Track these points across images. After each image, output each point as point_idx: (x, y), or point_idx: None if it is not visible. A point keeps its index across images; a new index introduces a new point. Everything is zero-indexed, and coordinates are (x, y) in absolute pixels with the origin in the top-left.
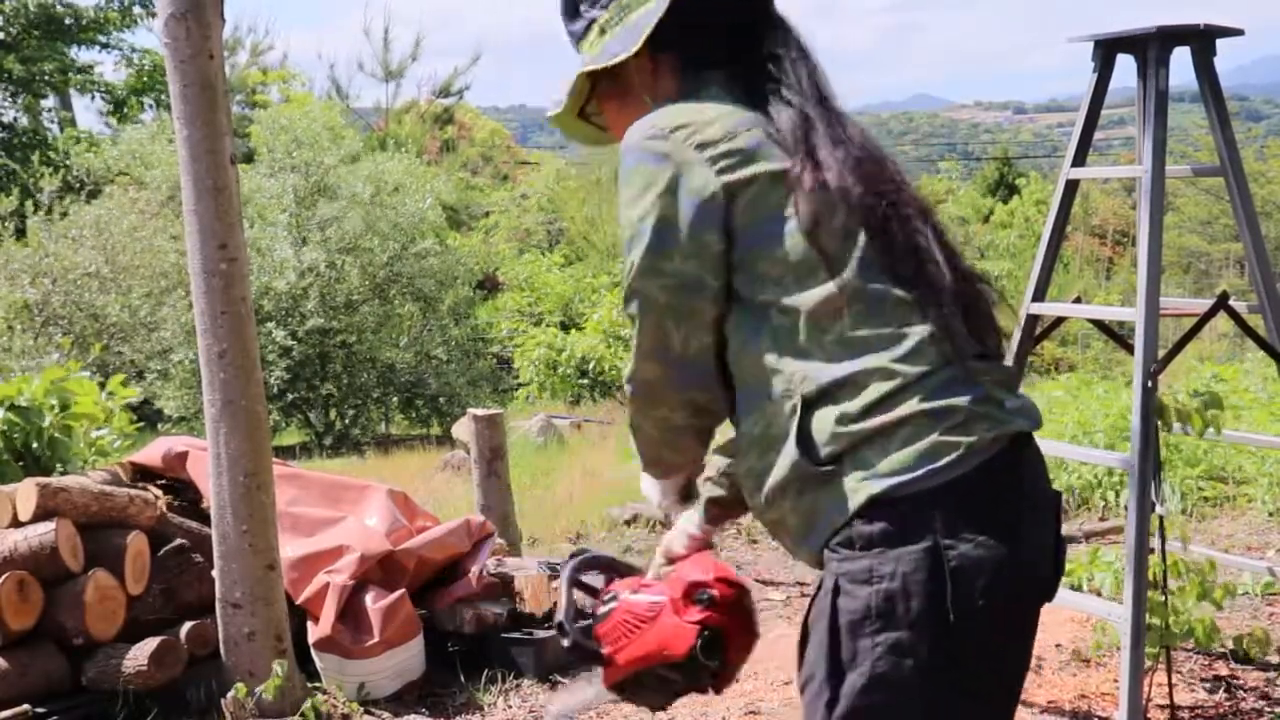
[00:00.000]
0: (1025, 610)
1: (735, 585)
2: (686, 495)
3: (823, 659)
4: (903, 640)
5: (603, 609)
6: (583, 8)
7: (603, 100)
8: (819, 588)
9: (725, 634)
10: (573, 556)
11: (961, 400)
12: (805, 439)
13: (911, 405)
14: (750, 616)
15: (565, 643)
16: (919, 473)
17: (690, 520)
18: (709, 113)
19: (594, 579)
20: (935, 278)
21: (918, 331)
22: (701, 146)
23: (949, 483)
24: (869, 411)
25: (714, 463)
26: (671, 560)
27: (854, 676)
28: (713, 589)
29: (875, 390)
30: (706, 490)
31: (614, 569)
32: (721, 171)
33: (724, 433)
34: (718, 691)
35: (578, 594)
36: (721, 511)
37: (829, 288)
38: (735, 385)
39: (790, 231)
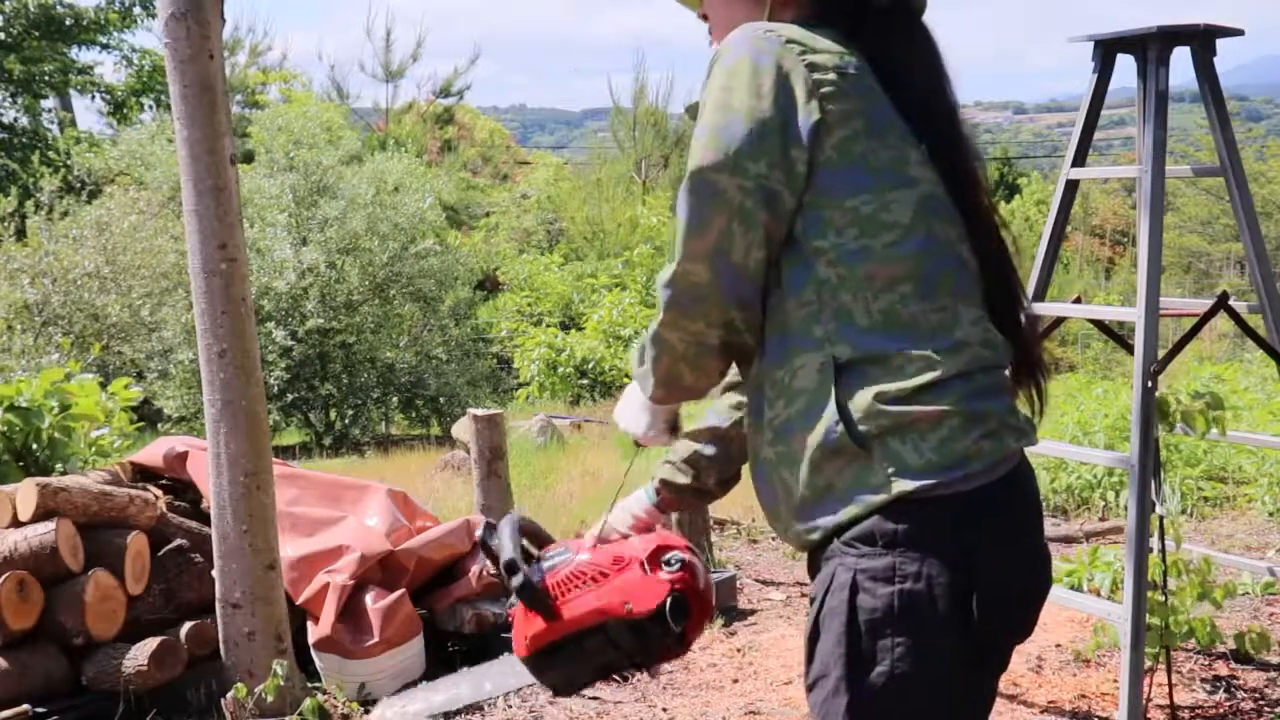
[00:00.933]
0: (1033, 613)
1: (698, 555)
2: (674, 428)
3: (839, 658)
4: (925, 642)
5: (549, 561)
6: None
7: None
8: (830, 583)
9: (691, 601)
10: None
11: (996, 407)
12: (843, 408)
13: (949, 403)
14: (710, 593)
15: (515, 581)
16: (954, 475)
17: (638, 502)
18: (824, 43)
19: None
20: (984, 277)
21: (963, 329)
22: (812, 67)
23: (979, 489)
24: (909, 398)
25: (679, 447)
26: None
27: (874, 676)
28: (683, 554)
29: (917, 378)
30: (663, 472)
31: (540, 537)
32: (824, 99)
33: (690, 419)
34: (652, 674)
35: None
36: (673, 499)
37: (892, 254)
38: (765, 330)
39: (866, 186)
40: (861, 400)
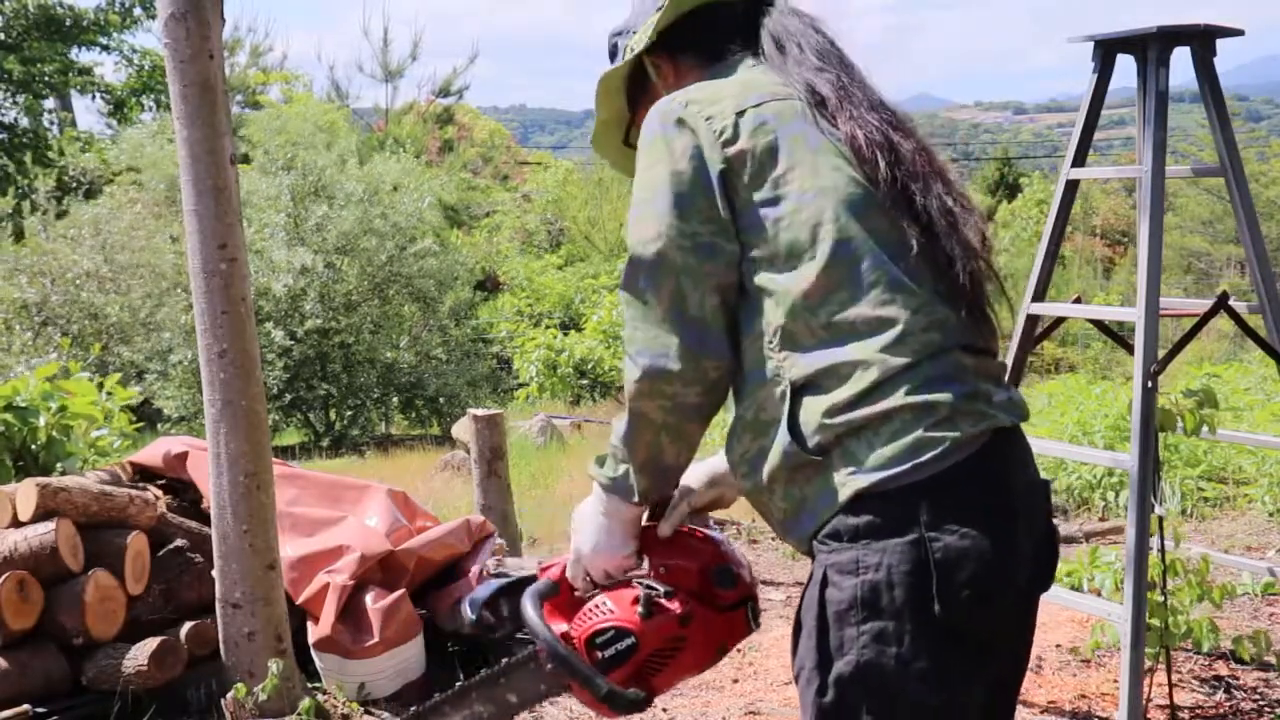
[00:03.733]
0: (1014, 601)
1: (723, 547)
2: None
3: (812, 649)
4: (887, 630)
5: (608, 650)
6: (619, 41)
7: (641, 120)
8: (809, 579)
9: (749, 585)
10: (476, 600)
11: (946, 395)
12: (795, 427)
13: (896, 399)
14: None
15: (600, 694)
16: (904, 467)
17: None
18: (724, 89)
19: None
20: (935, 260)
21: (904, 320)
22: (711, 119)
23: (933, 477)
24: (854, 404)
25: None
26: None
27: (841, 665)
28: (729, 564)
29: (860, 381)
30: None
31: (519, 589)
32: (725, 145)
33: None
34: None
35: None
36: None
37: (815, 271)
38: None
39: (781, 213)
40: (813, 416)
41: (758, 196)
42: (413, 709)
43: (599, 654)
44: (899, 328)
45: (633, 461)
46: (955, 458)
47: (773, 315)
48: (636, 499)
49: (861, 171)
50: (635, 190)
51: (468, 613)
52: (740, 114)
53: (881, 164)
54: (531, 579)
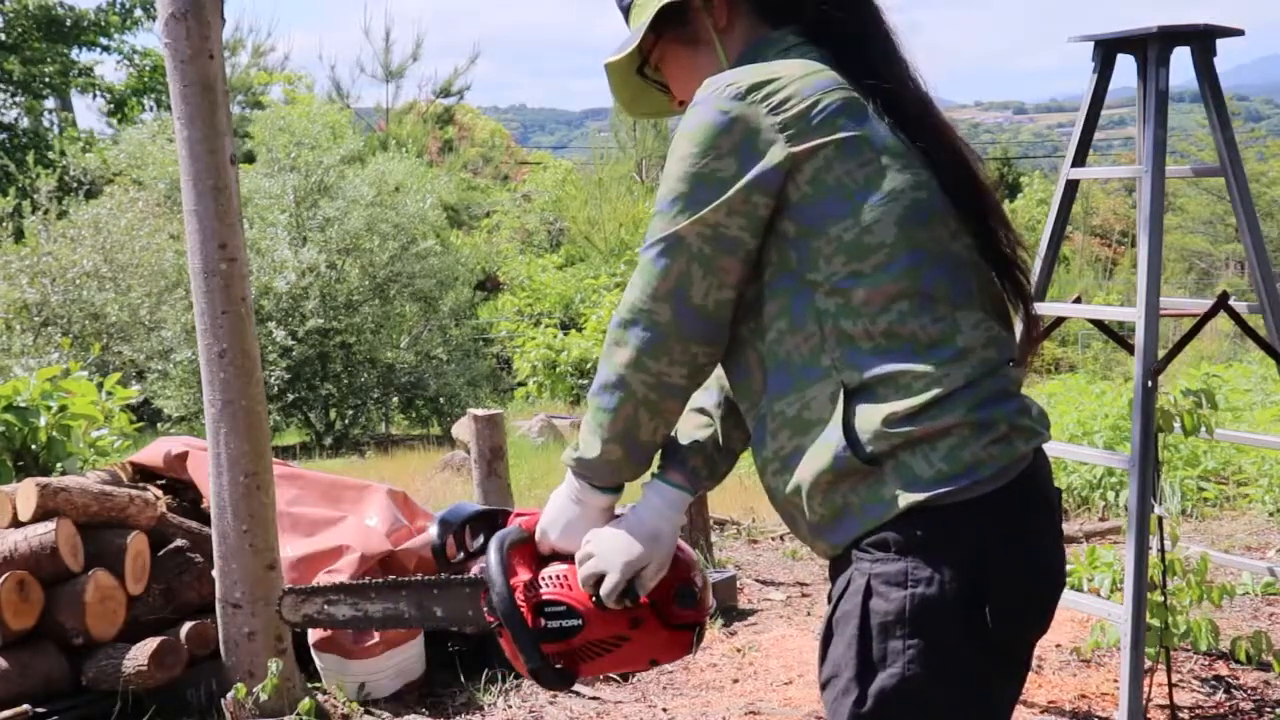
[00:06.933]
0: (1046, 615)
1: (692, 563)
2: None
3: (851, 659)
4: (936, 645)
5: (553, 622)
6: None
7: (668, 52)
8: (846, 587)
9: (704, 620)
10: (447, 523)
11: (1003, 412)
12: (850, 431)
13: (957, 415)
14: (695, 571)
15: (530, 665)
16: (963, 483)
17: (671, 506)
18: (791, 71)
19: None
20: (989, 272)
21: (964, 336)
22: (775, 110)
23: (989, 494)
24: (914, 416)
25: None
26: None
27: (884, 677)
28: (694, 585)
29: (921, 395)
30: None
31: (492, 520)
32: (791, 140)
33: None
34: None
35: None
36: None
37: (877, 278)
38: (768, 363)
39: (844, 213)
40: (870, 423)
41: (821, 193)
42: (337, 582)
43: (543, 621)
44: (959, 344)
45: (610, 425)
46: (1010, 475)
47: (829, 314)
48: (597, 454)
49: (926, 175)
50: (670, 160)
51: (434, 532)
52: (807, 105)
53: (948, 169)
54: (503, 514)
